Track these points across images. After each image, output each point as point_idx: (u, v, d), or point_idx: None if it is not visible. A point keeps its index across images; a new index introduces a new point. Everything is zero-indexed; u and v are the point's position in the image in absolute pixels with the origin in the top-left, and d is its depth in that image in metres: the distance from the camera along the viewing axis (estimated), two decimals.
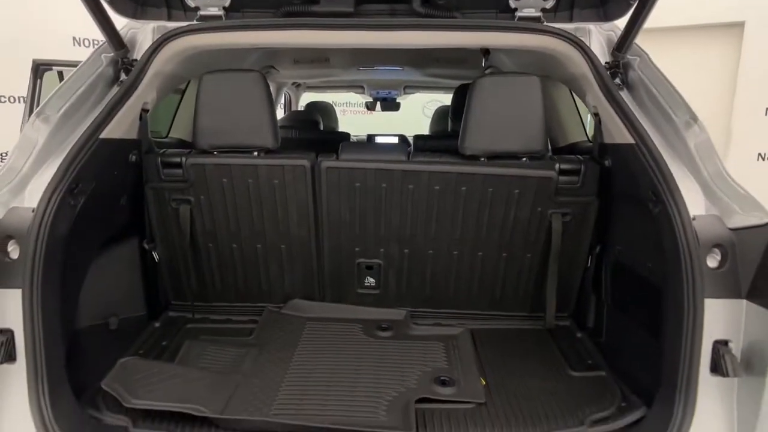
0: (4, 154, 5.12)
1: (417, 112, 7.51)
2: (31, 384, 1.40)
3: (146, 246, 2.04)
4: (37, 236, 1.42)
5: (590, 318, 2.14)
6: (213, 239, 2.06)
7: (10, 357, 1.39)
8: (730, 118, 5.72)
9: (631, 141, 1.67)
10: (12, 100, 5.24)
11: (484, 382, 1.74)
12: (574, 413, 1.57)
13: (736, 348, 1.38)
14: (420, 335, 2.05)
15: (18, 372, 1.41)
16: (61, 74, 3.64)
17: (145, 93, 1.88)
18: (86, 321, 1.82)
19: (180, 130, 2.86)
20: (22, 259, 1.41)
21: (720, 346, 1.37)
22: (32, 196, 1.48)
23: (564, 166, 1.93)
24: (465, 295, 2.15)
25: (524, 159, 1.95)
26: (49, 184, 1.47)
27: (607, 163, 1.92)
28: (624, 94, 1.78)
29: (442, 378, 1.73)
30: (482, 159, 1.94)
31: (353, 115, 8.34)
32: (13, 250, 1.43)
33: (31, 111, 3.69)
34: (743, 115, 5.63)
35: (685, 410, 1.37)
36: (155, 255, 2.07)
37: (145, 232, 2.06)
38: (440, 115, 4.21)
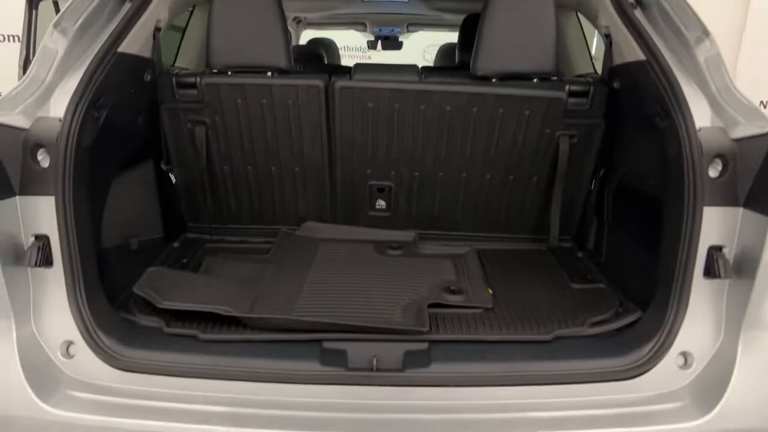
0: None
1: (417, 57, 7.38)
2: (69, 286, 1.48)
3: (163, 167, 2.09)
4: (66, 145, 1.46)
5: (590, 240, 2.24)
6: (228, 161, 2.11)
7: (47, 261, 1.46)
8: (736, 66, 5.66)
9: (642, 58, 1.71)
10: (1, 38, 5.11)
11: (490, 292, 1.85)
12: (575, 317, 1.68)
13: (729, 253, 1.47)
14: (429, 254, 2.15)
15: (55, 275, 1.48)
16: (56, 4, 3.55)
17: (158, 10, 1.88)
18: (108, 241, 1.89)
19: (185, 60, 2.85)
20: (53, 167, 1.46)
21: (714, 251, 1.45)
22: (57, 106, 1.51)
23: (573, 88, 1.97)
24: (472, 218, 2.23)
25: (535, 80, 1.98)
26: (73, 94, 1.50)
27: (615, 85, 1.96)
28: (637, 13, 1.80)
29: (451, 288, 1.83)
30: (493, 80, 1.98)
31: (351, 60, 8.18)
32: (43, 159, 1.47)
33: (28, 43, 3.62)
34: (748, 65, 5.57)
35: (678, 311, 1.47)
36: (172, 177, 2.13)
37: (162, 154, 2.10)
38: (444, 52, 4.17)
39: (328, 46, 4.32)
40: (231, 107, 1.99)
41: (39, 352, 1.48)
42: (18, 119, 1.44)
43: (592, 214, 2.22)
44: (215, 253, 2.10)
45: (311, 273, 1.92)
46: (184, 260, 2.05)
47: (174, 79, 1.96)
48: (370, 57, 7.32)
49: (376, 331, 1.56)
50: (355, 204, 2.22)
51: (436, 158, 2.09)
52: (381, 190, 2.19)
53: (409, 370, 1.46)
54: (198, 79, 1.95)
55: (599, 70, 2.74)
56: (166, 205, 2.18)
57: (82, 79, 1.53)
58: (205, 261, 1.98)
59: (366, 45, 5.31)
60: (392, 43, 4.67)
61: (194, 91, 1.97)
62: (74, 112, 1.48)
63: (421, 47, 7.49)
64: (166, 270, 1.83)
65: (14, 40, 5.09)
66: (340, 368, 1.46)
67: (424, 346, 1.54)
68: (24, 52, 3.61)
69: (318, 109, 2.00)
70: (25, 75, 1.56)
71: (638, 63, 1.74)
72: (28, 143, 1.44)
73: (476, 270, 2.00)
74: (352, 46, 7.83)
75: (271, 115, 2.01)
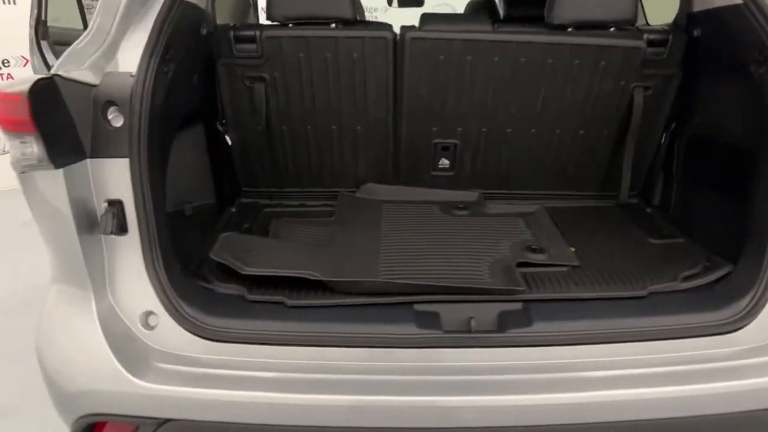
0: (5, 61, 4.81)
1: None
2: (146, 254, 1.39)
3: (219, 128, 1.98)
4: (141, 102, 1.35)
5: (656, 195, 2.18)
6: (287, 120, 2.00)
7: (122, 228, 1.38)
8: None
9: (737, 2, 1.61)
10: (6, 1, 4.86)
11: (573, 250, 1.79)
12: (665, 272, 1.63)
13: None
14: (497, 213, 2.08)
15: (130, 243, 1.40)
16: None
17: None
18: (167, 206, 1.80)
19: (224, 16, 2.69)
20: (126, 126, 1.35)
21: None
22: (127, 60, 1.38)
23: (652, 37, 1.87)
24: (538, 175, 2.16)
25: (612, 29, 1.88)
26: (146, 46, 1.38)
27: (695, 32, 1.86)
28: None
29: (532, 246, 1.77)
30: (569, 29, 1.87)
31: None
32: (115, 118, 1.36)
33: (39, 6, 3.42)
34: None
35: None
36: (228, 139, 2.02)
37: (215, 115, 1.99)
38: (474, 8, 3.98)
39: (356, 4, 4.11)
40: (292, 62, 1.88)
41: (119, 324, 1.41)
42: (86, 75, 1.33)
43: (659, 169, 2.15)
44: (278, 216, 2.02)
45: (383, 235, 1.85)
46: (246, 225, 1.96)
47: (232, 33, 1.83)
48: (376, 17, 7.06)
49: (469, 291, 1.51)
50: (418, 163, 2.13)
51: (506, 113, 2.00)
52: (445, 148, 2.10)
53: (510, 330, 1.41)
54: (258, 33, 1.83)
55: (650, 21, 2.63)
56: (218, 169, 2.08)
57: (153, 29, 1.40)
58: (272, 224, 1.90)
59: (367, 5, 5.03)
60: None
61: (253, 46, 1.85)
62: (147, 67, 1.37)
63: (430, 6, 7.21)
64: (239, 235, 1.75)
65: (10, 2, 4.85)
66: (437, 331, 1.40)
67: (518, 306, 1.49)
68: (35, 12, 3.42)
69: (384, 63, 1.89)
70: (89, 26, 1.43)
71: (731, 8, 1.63)
72: (99, 101, 1.33)
73: (551, 228, 1.94)
74: (365, 6, 7.52)
75: (334, 69, 1.90)
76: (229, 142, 2.03)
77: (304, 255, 1.67)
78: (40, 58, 3.48)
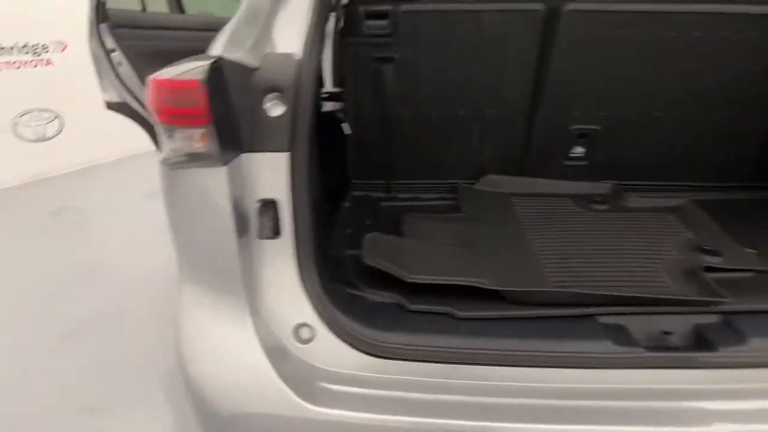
0: (44, 47, 4.60)
1: None
2: (301, 260, 1.23)
3: (340, 115, 1.79)
4: (306, 88, 1.16)
5: None
6: (413, 105, 1.81)
7: (276, 231, 1.21)
8: None
9: None
10: None
11: (752, 251, 1.59)
12: None
13: None
14: (640, 207, 1.88)
15: (282, 247, 1.22)
16: None
17: None
18: None
19: None
20: (287, 116, 1.17)
21: None
22: (284, 40, 1.19)
23: None
24: (682, 165, 1.95)
25: None
26: (310, 23, 1.18)
27: None
28: None
29: (703, 247, 1.58)
30: None
31: None
32: (273, 106, 1.17)
33: None
34: None
35: None
36: (346, 126, 1.83)
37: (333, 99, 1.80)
38: None
39: None
40: (427, 40, 1.67)
41: (272, 337, 1.25)
42: (247, 57, 1.14)
43: None
44: (400, 212, 1.84)
45: (529, 235, 1.67)
46: (367, 222, 1.79)
47: (363, 9, 1.63)
48: None
49: (664, 303, 1.32)
50: (550, 151, 1.93)
51: (659, 95, 1.78)
52: (583, 135, 1.89)
53: (722, 348, 1.22)
54: (393, 7, 1.62)
55: None
56: (328, 159, 1.90)
57: (314, 3, 1.20)
58: (404, 222, 1.72)
59: None
60: None
61: (384, 22, 1.65)
62: (311, 47, 1.17)
63: None
64: (382, 236, 1.58)
65: None
66: (637, 349, 1.23)
67: (714, 318, 1.31)
68: None
69: (530, 40, 1.68)
70: (241, 5, 1.24)
71: None
72: (259, 87, 1.14)
73: (710, 225, 1.74)
74: None
75: (473, 47, 1.69)
76: (348, 130, 1.84)
77: (458, 259, 1.49)
78: (98, 42, 3.29)
